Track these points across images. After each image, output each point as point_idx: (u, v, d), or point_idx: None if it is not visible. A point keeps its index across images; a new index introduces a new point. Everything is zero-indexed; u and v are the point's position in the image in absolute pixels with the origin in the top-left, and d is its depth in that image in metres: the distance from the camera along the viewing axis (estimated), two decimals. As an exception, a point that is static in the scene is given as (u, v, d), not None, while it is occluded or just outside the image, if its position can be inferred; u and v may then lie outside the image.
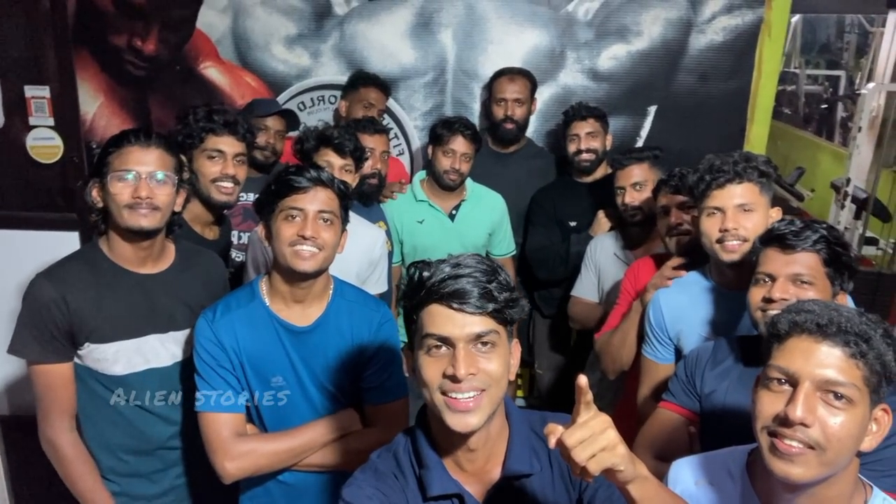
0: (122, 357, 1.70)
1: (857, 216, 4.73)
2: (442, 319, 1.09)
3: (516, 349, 1.19)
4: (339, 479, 1.65)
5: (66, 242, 3.18)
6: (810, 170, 6.86)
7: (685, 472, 1.31)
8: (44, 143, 3.10)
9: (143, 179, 1.65)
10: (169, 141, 1.75)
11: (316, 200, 1.61)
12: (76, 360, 1.69)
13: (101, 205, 1.69)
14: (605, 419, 1.01)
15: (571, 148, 2.83)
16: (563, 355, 3.12)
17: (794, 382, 1.08)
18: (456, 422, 1.10)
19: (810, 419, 1.05)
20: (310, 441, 1.67)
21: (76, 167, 3.12)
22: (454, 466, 1.18)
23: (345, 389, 1.73)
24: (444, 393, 1.10)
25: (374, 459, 1.22)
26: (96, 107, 3.14)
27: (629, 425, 2.17)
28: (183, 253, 1.84)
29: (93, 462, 1.73)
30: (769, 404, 1.10)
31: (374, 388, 1.72)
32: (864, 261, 4.67)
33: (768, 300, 1.51)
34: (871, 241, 4.81)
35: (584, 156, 2.80)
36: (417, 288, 1.12)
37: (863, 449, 1.09)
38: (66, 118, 3.08)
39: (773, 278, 1.52)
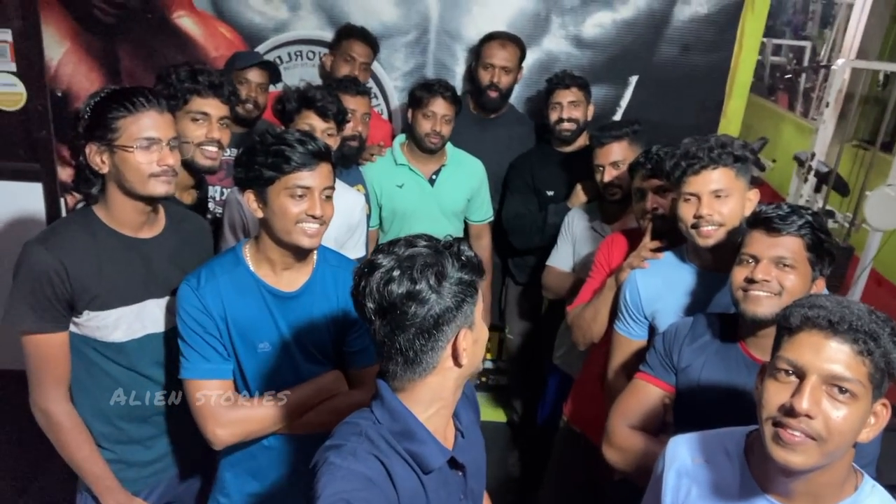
0: (122, 323, 1.67)
1: (817, 189, 4.84)
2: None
3: None
4: (319, 441, 1.71)
5: (29, 193, 3.09)
6: (772, 140, 6.98)
7: (682, 449, 1.35)
8: (5, 90, 2.98)
9: (165, 147, 1.61)
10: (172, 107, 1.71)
11: (321, 177, 1.60)
12: (72, 328, 1.65)
13: (106, 170, 1.62)
14: None
15: (553, 116, 2.82)
16: (532, 322, 3.18)
17: (801, 375, 1.12)
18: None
19: (815, 411, 1.09)
20: (298, 404, 1.68)
21: (40, 116, 3.00)
22: (435, 432, 1.21)
23: (328, 353, 1.75)
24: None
25: (346, 444, 1.14)
26: (62, 53, 3.00)
27: (591, 391, 2.25)
28: (172, 216, 1.81)
29: (87, 431, 1.71)
30: (775, 394, 1.14)
31: (358, 351, 1.74)
32: (821, 233, 4.81)
33: (750, 280, 1.55)
34: (829, 214, 4.94)
35: (566, 125, 2.80)
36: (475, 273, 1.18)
37: (860, 440, 1.14)
38: (30, 64, 2.95)
39: (756, 260, 1.56)
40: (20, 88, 2.99)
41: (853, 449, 1.17)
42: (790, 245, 1.54)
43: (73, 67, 3.03)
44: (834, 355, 1.10)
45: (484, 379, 3.68)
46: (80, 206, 1.74)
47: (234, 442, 1.64)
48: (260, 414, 1.64)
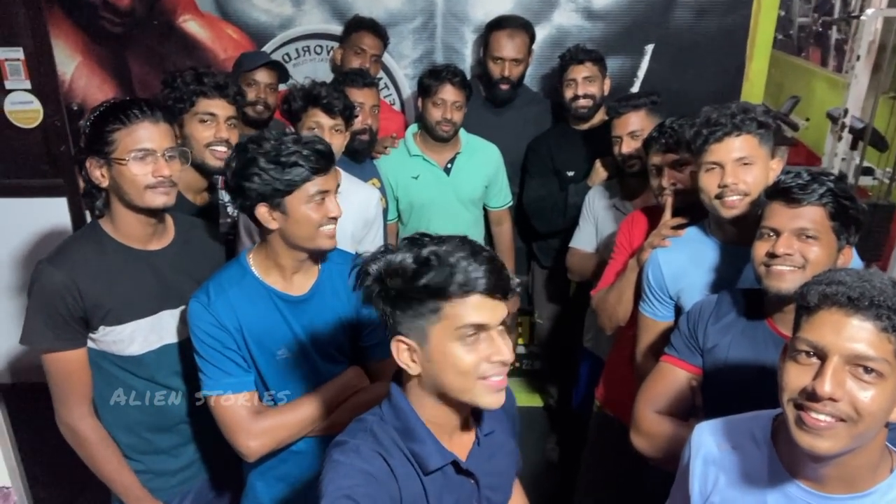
0: (138, 336, 1.68)
1: (853, 146, 4.67)
2: (482, 310, 1.12)
3: None
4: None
5: (55, 208, 3.14)
6: (805, 98, 6.75)
7: (708, 436, 1.30)
8: (22, 108, 3.02)
9: (160, 158, 1.60)
10: (165, 110, 1.69)
11: (334, 179, 1.62)
12: (90, 343, 1.66)
13: (106, 184, 1.62)
14: None
15: (568, 94, 2.75)
16: (561, 305, 3.13)
17: (822, 356, 1.06)
18: (493, 400, 1.15)
19: (839, 394, 1.03)
20: (324, 405, 1.68)
21: (58, 130, 3.04)
22: (441, 434, 1.21)
23: (346, 351, 1.74)
24: (484, 377, 1.13)
25: (351, 441, 1.18)
26: (74, 67, 3.04)
27: (622, 374, 2.20)
28: (181, 226, 1.81)
29: (114, 444, 1.72)
30: (796, 377, 1.08)
31: (375, 344, 1.74)
32: (860, 191, 4.65)
33: (772, 255, 1.49)
34: (867, 172, 4.77)
35: (582, 102, 2.73)
36: (445, 282, 1.10)
37: (892, 420, 1.08)
38: (44, 80, 2.98)
39: (777, 233, 1.50)
40: (36, 105, 3.03)
41: (886, 429, 1.10)
42: (812, 215, 1.46)
43: (86, 80, 3.06)
44: (856, 334, 1.04)
45: (518, 364, 3.65)
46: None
47: (267, 452, 1.63)
48: (288, 420, 1.63)
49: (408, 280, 1.12)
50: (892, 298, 1.04)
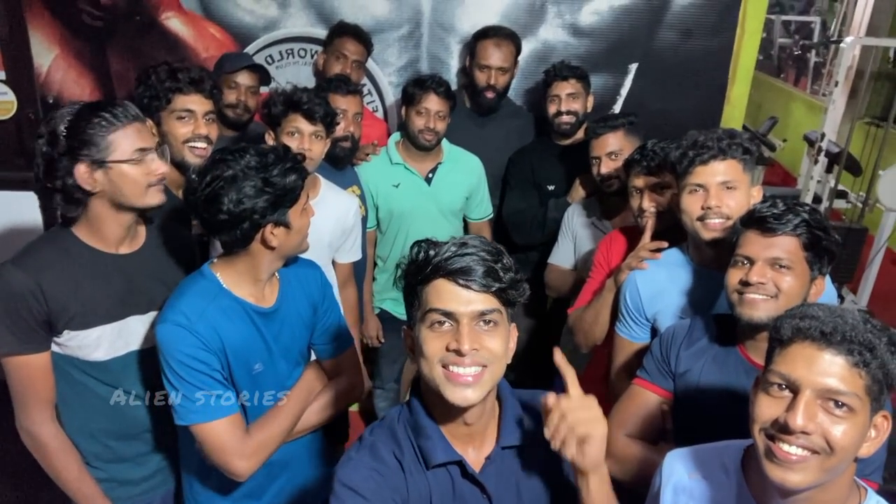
0: (103, 342, 1.64)
1: (828, 169, 4.74)
2: (448, 295, 1.12)
3: (514, 332, 1.22)
4: (311, 438, 1.81)
5: (25, 202, 3.06)
6: (783, 119, 6.86)
7: (678, 464, 1.31)
8: (-4, 98, 2.95)
9: (155, 156, 1.60)
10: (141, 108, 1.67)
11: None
12: (54, 348, 1.62)
13: (97, 189, 1.57)
14: (593, 399, 1.17)
15: (551, 109, 2.75)
16: (536, 319, 3.12)
17: (794, 389, 1.07)
18: (455, 395, 1.12)
19: (811, 427, 1.04)
20: (298, 411, 1.69)
21: (32, 123, 2.97)
22: (451, 438, 1.21)
23: (304, 353, 1.78)
24: (444, 366, 1.12)
25: (369, 437, 1.22)
26: (51, 59, 2.96)
27: (596, 392, 2.17)
28: (152, 229, 1.78)
29: (76, 451, 1.68)
30: (767, 408, 1.09)
31: (331, 341, 1.79)
32: (833, 214, 4.72)
33: (745, 283, 1.50)
34: (842, 195, 4.85)
35: (565, 118, 2.73)
36: (423, 265, 1.14)
37: (860, 455, 1.09)
38: (19, 71, 2.91)
39: (751, 261, 1.51)
40: (10, 97, 2.96)
41: (854, 463, 1.11)
42: (786, 245, 1.48)
43: (63, 73, 2.99)
44: (828, 368, 1.05)
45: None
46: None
47: (257, 468, 1.59)
48: (274, 434, 1.63)
49: (406, 267, 1.18)
50: (864, 334, 1.05)
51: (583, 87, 2.75)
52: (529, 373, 3.32)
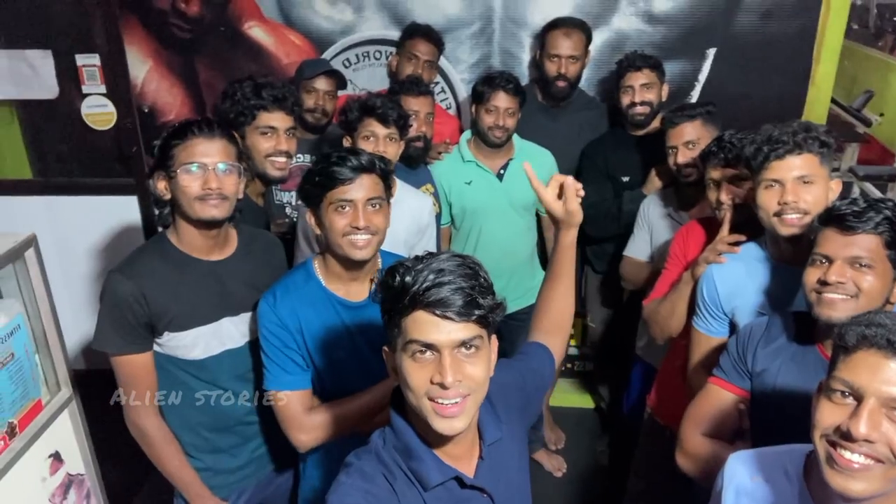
0: (200, 342, 1.77)
1: (930, 146, 4.47)
2: (427, 326, 1.10)
3: (495, 345, 1.22)
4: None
5: (126, 206, 3.29)
6: (880, 92, 6.46)
7: (741, 467, 1.30)
8: (98, 111, 3.18)
9: (210, 171, 1.68)
10: (230, 131, 1.78)
11: (362, 188, 1.63)
12: (156, 348, 1.77)
13: (168, 197, 1.72)
14: None
15: (625, 100, 2.72)
16: (614, 310, 3.12)
17: (858, 397, 1.06)
18: (443, 426, 1.13)
19: (875, 435, 1.03)
20: (371, 403, 1.74)
21: (129, 132, 3.18)
22: (442, 454, 1.21)
23: None
24: (431, 399, 1.12)
25: (356, 462, 1.19)
26: (145, 71, 3.17)
27: (674, 384, 2.19)
28: (244, 237, 1.89)
29: (177, 443, 1.83)
30: (829, 415, 1.08)
31: None
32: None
33: (824, 282, 1.47)
34: (945, 173, 4.56)
35: (639, 108, 2.70)
36: (400, 294, 1.12)
37: None
38: (118, 84, 3.13)
39: (829, 260, 1.47)
40: (110, 108, 3.19)
41: None
42: (866, 244, 1.43)
43: (157, 84, 3.19)
44: (893, 377, 1.03)
45: (570, 365, 3.66)
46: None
47: (317, 444, 1.72)
48: (338, 417, 1.71)
49: (381, 290, 1.17)
50: None
51: (657, 77, 2.71)
52: (606, 361, 3.33)
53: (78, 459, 2.00)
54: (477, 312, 1.11)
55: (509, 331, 2.79)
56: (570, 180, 1.49)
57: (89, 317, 3.41)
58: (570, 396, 3.63)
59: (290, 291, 1.70)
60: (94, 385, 2.28)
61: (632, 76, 2.69)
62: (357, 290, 1.74)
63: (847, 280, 1.43)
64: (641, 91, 2.69)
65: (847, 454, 1.05)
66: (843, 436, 1.05)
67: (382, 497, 1.15)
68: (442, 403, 1.11)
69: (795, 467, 1.23)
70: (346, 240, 1.63)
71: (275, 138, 2.14)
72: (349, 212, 1.62)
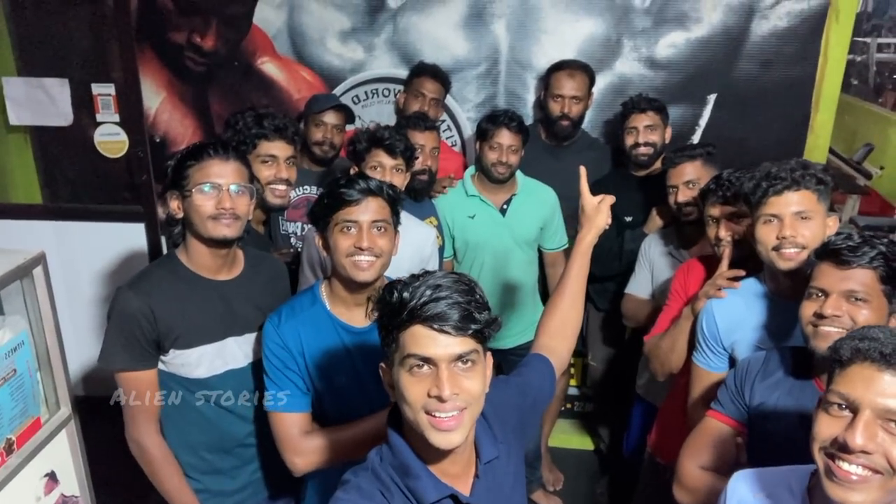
0: (204, 360, 1.79)
1: (929, 198, 4.52)
2: (425, 340, 1.12)
3: (489, 361, 1.23)
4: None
5: (133, 233, 3.32)
6: (880, 146, 6.55)
7: (743, 484, 1.32)
8: (110, 139, 3.24)
9: (224, 191, 1.72)
10: (244, 153, 1.83)
11: (368, 211, 1.65)
12: (160, 365, 1.78)
13: (180, 215, 1.76)
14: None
15: (629, 141, 2.78)
16: (615, 349, 3.12)
17: (854, 409, 1.09)
18: (440, 440, 1.14)
19: (871, 447, 1.05)
20: (369, 431, 1.72)
21: (140, 161, 3.23)
22: (439, 472, 1.21)
23: None
24: (428, 412, 1.13)
25: (354, 479, 1.20)
26: (159, 102, 3.24)
27: (675, 422, 2.18)
28: (251, 259, 1.92)
29: (177, 463, 1.83)
30: (827, 427, 1.11)
31: None
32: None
33: (820, 316, 1.49)
34: (943, 224, 4.61)
35: (642, 150, 2.76)
36: (398, 309, 1.14)
37: None
38: (131, 114, 3.19)
39: (826, 294, 1.50)
40: (123, 137, 3.25)
41: None
42: (862, 278, 1.47)
43: (170, 115, 3.26)
44: (888, 389, 1.06)
45: (569, 405, 3.64)
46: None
47: (311, 469, 1.71)
48: (335, 443, 1.70)
49: (378, 307, 1.19)
50: None
51: (660, 119, 2.77)
52: (607, 401, 3.32)
53: (73, 481, 1.98)
54: (473, 327, 1.13)
55: (510, 366, 2.80)
56: (609, 198, 1.79)
57: (92, 342, 3.42)
58: (569, 437, 3.60)
59: (295, 313, 1.71)
60: (92, 411, 2.28)
61: (636, 118, 2.75)
62: (361, 316, 1.73)
63: (843, 314, 1.46)
64: (645, 132, 2.74)
65: (845, 466, 1.07)
66: (841, 448, 1.07)
67: None
68: (439, 417, 1.13)
69: (800, 484, 1.25)
70: (349, 260, 1.64)
71: (275, 166, 2.19)
72: (354, 233, 1.64)
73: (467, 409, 1.15)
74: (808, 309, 1.52)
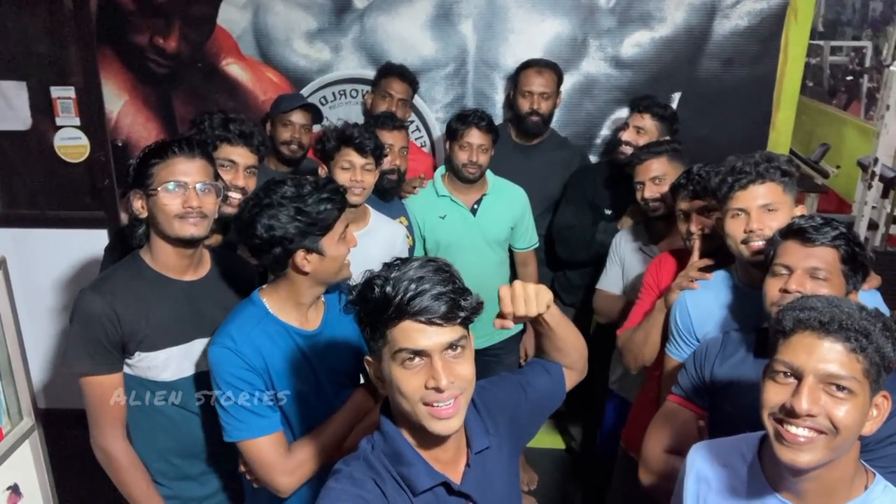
0: (171, 363, 1.74)
1: (884, 195, 4.66)
2: (415, 334, 1.13)
3: (470, 340, 1.23)
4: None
5: (95, 240, 3.23)
6: (835, 146, 6.73)
7: (700, 457, 1.38)
8: (71, 143, 3.16)
9: (191, 189, 1.68)
10: (209, 151, 1.78)
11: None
12: (125, 368, 1.73)
13: (144, 215, 1.71)
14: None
15: (621, 136, 2.79)
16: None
17: (798, 376, 1.14)
18: (440, 427, 1.16)
19: (816, 410, 1.12)
20: (343, 430, 1.72)
21: (102, 166, 3.17)
22: (431, 459, 1.22)
23: (353, 375, 1.81)
24: (426, 403, 1.15)
25: (346, 468, 1.21)
26: (121, 105, 3.18)
27: (649, 416, 2.19)
28: (217, 258, 1.88)
29: (144, 468, 1.77)
30: (775, 394, 1.17)
31: None
32: (890, 239, 4.62)
33: (785, 292, 1.53)
34: (898, 220, 4.74)
35: (625, 147, 2.78)
36: (384, 306, 1.13)
37: (864, 433, 1.17)
38: (92, 118, 3.12)
39: (790, 270, 1.55)
40: (84, 141, 3.17)
41: (858, 442, 1.19)
42: (824, 256, 1.53)
43: (132, 118, 3.20)
44: (827, 355, 1.12)
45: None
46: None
47: (301, 483, 1.65)
48: (316, 450, 1.67)
49: (359, 303, 1.18)
50: (860, 322, 1.12)
51: (655, 127, 2.78)
52: (576, 399, 3.32)
53: (37, 494, 1.93)
54: (461, 314, 1.15)
55: (483, 366, 2.78)
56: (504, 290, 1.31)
57: (53, 353, 3.33)
58: (540, 437, 3.58)
59: (247, 330, 1.61)
60: (54, 424, 2.22)
61: (636, 117, 2.77)
62: (312, 318, 1.71)
63: (806, 290, 1.50)
64: (635, 133, 2.76)
65: (793, 429, 1.14)
66: (788, 413, 1.13)
67: (373, 502, 1.16)
68: (438, 406, 1.15)
69: (750, 450, 1.31)
70: (346, 263, 1.68)
71: (233, 172, 2.06)
72: (348, 236, 1.68)
73: (462, 395, 1.17)
74: (773, 286, 1.57)
